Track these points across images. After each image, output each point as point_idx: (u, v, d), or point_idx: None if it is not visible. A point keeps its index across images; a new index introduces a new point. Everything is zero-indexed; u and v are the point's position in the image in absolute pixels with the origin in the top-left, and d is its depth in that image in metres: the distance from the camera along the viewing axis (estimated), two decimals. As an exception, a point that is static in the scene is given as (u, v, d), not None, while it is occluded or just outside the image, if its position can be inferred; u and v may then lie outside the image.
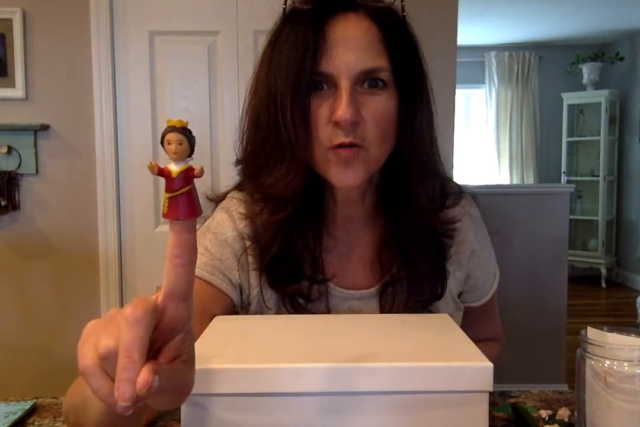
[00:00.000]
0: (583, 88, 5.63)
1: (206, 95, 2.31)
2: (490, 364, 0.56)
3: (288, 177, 0.72)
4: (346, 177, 0.72)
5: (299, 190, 0.73)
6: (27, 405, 0.83)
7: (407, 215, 0.79)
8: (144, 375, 0.36)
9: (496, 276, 0.92)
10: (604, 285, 5.45)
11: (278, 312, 0.80)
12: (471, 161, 6.03)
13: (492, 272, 0.91)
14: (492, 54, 5.87)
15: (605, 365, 0.60)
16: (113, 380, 0.38)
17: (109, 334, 0.39)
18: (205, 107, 2.31)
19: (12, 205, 2.27)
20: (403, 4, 0.75)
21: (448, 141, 2.28)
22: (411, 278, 0.80)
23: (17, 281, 2.32)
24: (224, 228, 0.81)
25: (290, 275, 0.78)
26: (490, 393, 0.56)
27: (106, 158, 2.28)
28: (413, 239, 0.79)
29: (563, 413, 0.75)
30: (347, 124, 0.69)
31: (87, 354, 0.40)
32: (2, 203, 2.24)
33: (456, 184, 0.88)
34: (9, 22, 2.24)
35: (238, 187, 0.85)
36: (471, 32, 5.22)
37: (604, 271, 5.47)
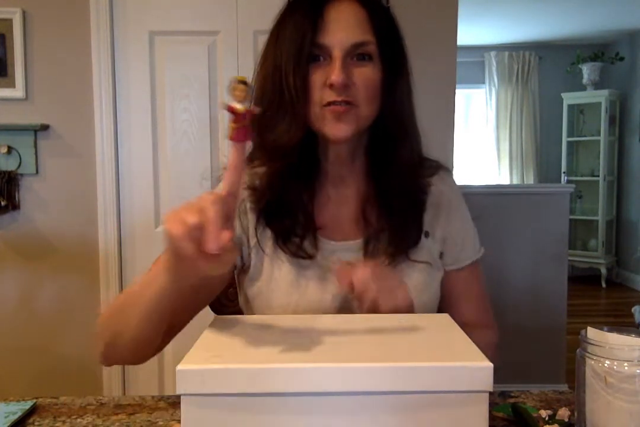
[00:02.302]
0: (583, 88, 5.63)
1: (206, 95, 2.31)
2: (490, 364, 0.56)
3: (290, 131, 0.85)
4: (339, 130, 0.85)
5: (297, 143, 0.85)
6: (27, 405, 0.83)
7: (389, 171, 0.91)
8: (226, 233, 0.57)
9: (477, 249, 0.99)
10: (604, 285, 5.45)
11: (274, 256, 0.90)
12: (471, 161, 6.03)
13: (471, 240, 0.99)
14: (492, 54, 5.87)
15: (605, 365, 0.60)
16: (196, 244, 0.58)
17: (194, 214, 0.58)
18: (205, 107, 2.31)
19: (12, 205, 2.27)
20: None
21: (448, 141, 2.28)
22: (391, 228, 0.90)
23: (17, 280, 2.32)
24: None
25: (284, 215, 0.89)
26: (490, 393, 0.56)
27: (106, 158, 2.28)
28: (394, 192, 0.90)
29: (563, 413, 0.75)
30: (339, 85, 0.82)
31: (178, 226, 0.58)
32: (2, 203, 2.24)
33: (436, 161, 0.99)
34: (9, 22, 2.23)
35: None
36: (471, 32, 5.22)
37: (604, 271, 5.47)
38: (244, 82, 0.59)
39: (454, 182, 1.01)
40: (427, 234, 0.93)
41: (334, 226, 0.92)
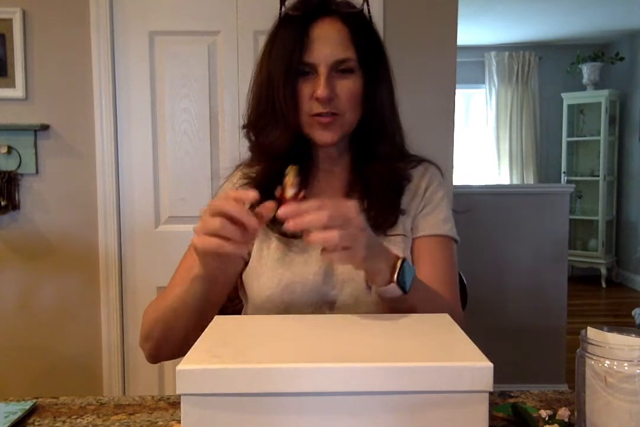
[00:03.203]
0: (583, 88, 5.63)
1: (206, 95, 2.30)
2: (490, 364, 0.56)
3: (281, 138, 0.97)
4: (326, 137, 0.96)
5: (288, 148, 0.97)
6: (27, 405, 0.83)
7: (371, 163, 1.01)
8: (253, 220, 0.71)
9: (447, 229, 1.03)
10: (604, 285, 5.45)
11: (264, 238, 1.00)
12: (471, 161, 6.03)
13: (439, 217, 1.04)
14: (492, 54, 5.87)
15: (605, 365, 0.60)
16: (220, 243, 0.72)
17: (214, 222, 0.71)
18: (205, 107, 2.31)
19: (12, 205, 2.27)
20: (369, 7, 0.99)
21: (448, 141, 2.28)
22: (370, 208, 0.99)
23: (17, 280, 2.32)
24: (224, 192, 1.05)
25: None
26: (490, 393, 0.56)
27: (106, 158, 2.28)
28: (373, 179, 1.00)
29: (563, 413, 0.75)
30: (324, 99, 0.93)
31: (204, 240, 0.72)
32: (2, 203, 2.24)
33: (422, 156, 1.09)
34: (9, 22, 2.23)
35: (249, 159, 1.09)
36: (471, 32, 5.22)
37: (604, 271, 5.47)
38: (295, 172, 0.72)
39: (438, 173, 1.09)
40: (403, 212, 1.02)
41: None
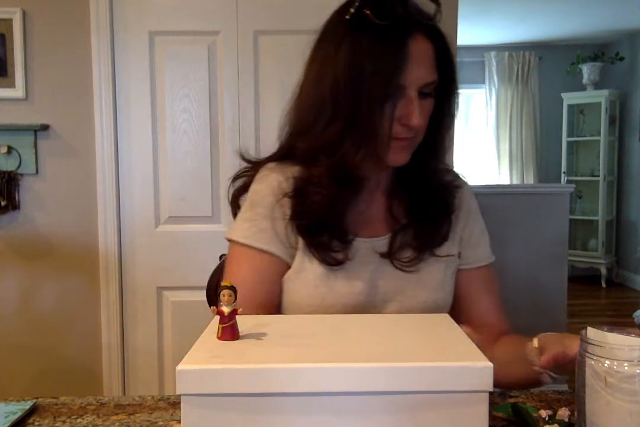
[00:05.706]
0: (583, 88, 5.63)
1: (206, 95, 2.30)
2: (490, 364, 0.56)
3: (363, 163, 0.89)
4: (401, 159, 0.91)
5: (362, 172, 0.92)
6: (27, 405, 0.83)
7: (418, 176, 0.96)
8: None
9: (490, 254, 1.05)
10: (604, 285, 5.45)
11: (306, 249, 0.92)
12: (471, 161, 6.03)
13: (485, 244, 1.04)
14: (492, 54, 5.87)
15: (605, 365, 0.60)
16: None
17: None
18: (205, 107, 2.31)
19: (12, 205, 2.27)
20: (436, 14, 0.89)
21: (448, 141, 2.28)
22: (417, 224, 0.96)
23: (17, 281, 2.32)
24: (263, 197, 0.95)
25: (321, 231, 0.92)
26: (490, 393, 0.56)
27: (106, 158, 2.28)
28: (421, 194, 0.97)
29: (563, 413, 0.75)
30: (419, 128, 0.87)
31: None
32: (2, 203, 2.24)
33: (452, 169, 1.07)
34: (9, 22, 2.23)
35: (274, 157, 1.00)
36: (471, 32, 5.22)
37: (604, 271, 5.47)
38: (230, 288, 0.67)
39: (471, 190, 1.08)
40: (446, 238, 0.99)
41: (363, 223, 0.96)
